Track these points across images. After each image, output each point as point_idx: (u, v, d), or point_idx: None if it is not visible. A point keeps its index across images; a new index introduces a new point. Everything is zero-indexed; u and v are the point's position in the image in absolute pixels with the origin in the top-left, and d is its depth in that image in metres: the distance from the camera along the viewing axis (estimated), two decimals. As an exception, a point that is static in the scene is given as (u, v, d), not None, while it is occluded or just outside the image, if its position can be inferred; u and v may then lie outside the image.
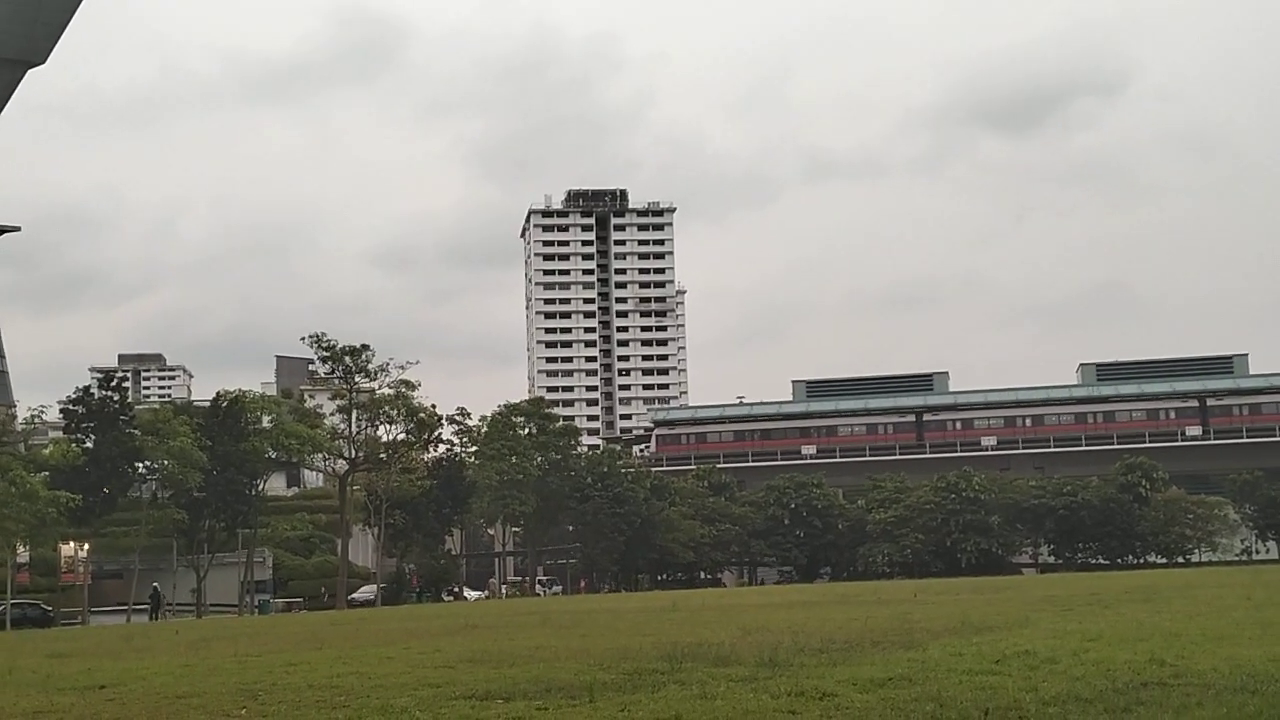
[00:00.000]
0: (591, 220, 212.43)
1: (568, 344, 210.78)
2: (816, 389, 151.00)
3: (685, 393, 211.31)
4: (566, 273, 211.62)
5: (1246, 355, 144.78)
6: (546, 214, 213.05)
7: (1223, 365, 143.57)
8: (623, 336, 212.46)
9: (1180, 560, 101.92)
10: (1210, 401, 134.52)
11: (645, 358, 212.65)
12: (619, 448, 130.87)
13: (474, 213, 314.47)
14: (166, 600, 71.69)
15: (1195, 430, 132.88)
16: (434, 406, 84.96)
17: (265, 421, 79.20)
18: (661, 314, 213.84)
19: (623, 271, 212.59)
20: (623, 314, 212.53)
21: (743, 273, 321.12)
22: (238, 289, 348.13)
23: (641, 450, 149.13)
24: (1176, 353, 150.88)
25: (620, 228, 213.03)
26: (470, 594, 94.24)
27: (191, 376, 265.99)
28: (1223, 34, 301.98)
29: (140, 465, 74.68)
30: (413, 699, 15.04)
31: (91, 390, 75.60)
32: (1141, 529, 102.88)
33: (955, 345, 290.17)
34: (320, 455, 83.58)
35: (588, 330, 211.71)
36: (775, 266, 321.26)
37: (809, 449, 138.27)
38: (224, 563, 79.69)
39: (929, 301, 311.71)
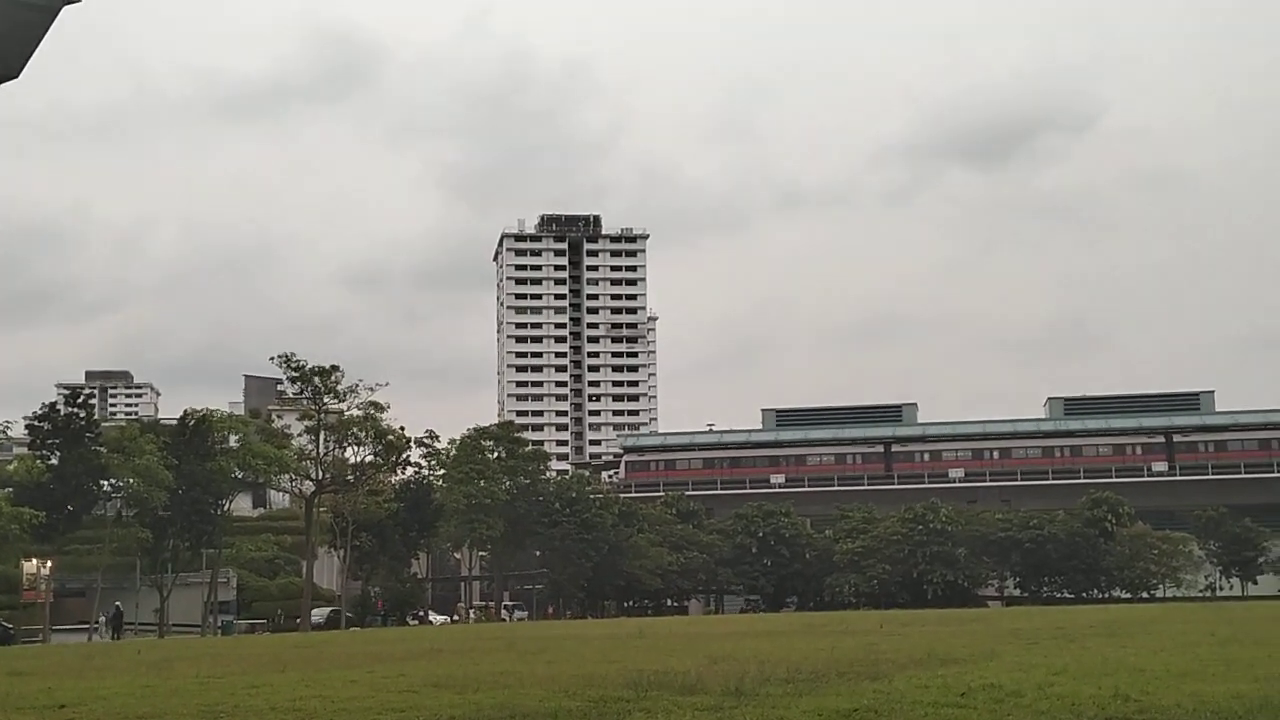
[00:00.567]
0: (564, 245, 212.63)
1: (538, 368, 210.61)
2: (786, 418, 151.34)
3: (655, 419, 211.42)
4: (539, 297, 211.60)
5: (1213, 392, 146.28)
6: (519, 238, 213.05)
7: (1189, 402, 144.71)
8: (594, 362, 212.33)
9: (1145, 595, 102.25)
10: (1176, 438, 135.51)
11: (616, 383, 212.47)
12: (588, 473, 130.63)
13: (446, 235, 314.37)
14: (128, 620, 71.07)
15: (1161, 466, 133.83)
16: (403, 429, 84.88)
17: (232, 441, 78.79)
18: (633, 340, 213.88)
19: (595, 297, 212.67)
20: (594, 339, 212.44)
21: (714, 301, 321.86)
22: (207, 308, 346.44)
23: (610, 476, 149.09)
24: (1144, 388, 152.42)
25: (593, 253, 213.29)
26: (436, 618, 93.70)
27: (159, 395, 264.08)
28: (1190, 75, 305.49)
29: (105, 483, 73.97)
30: (376, 723, 14.95)
31: (58, 407, 74.79)
32: (1107, 564, 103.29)
33: (924, 376, 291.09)
34: (287, 476, 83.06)
35: (559, 355, 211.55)
36: (747, 295, 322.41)
37: (778, 478, 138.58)
38: (188, 583, 79.24)
39: (899, 332, 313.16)
